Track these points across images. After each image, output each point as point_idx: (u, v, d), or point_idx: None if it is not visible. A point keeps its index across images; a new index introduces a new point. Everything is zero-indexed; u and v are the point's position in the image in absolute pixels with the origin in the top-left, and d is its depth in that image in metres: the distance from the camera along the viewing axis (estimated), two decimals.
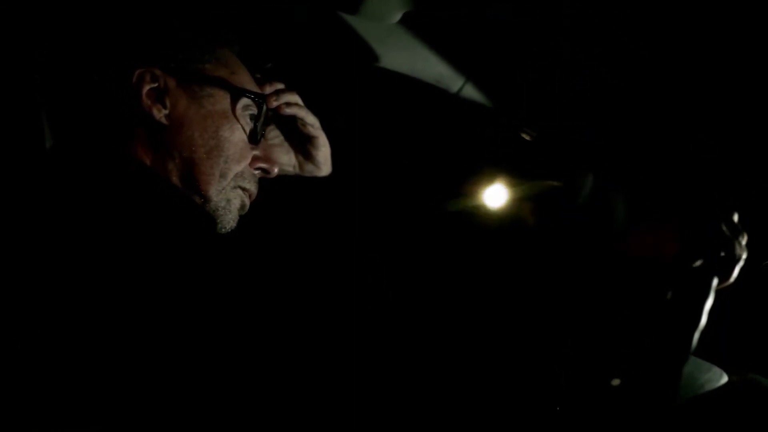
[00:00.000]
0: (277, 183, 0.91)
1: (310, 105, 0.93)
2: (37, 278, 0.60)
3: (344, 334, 0.72)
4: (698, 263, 0.69)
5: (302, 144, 0.93)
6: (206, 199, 0.76)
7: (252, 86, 0.81)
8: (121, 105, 0.73)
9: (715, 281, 0.70)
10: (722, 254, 0.70)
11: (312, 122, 0.91)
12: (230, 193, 0.78)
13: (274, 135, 0.92)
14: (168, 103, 0.74)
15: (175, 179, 0.75)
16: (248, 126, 0.79)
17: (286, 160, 0.93)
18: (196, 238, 0.72)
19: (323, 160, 0.94)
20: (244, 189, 0.80)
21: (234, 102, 0.78)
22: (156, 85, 0.74)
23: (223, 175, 0.76)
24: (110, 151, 0.73)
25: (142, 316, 0.60)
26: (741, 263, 0.73)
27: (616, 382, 0.66)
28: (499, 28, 1.32)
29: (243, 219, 0.82)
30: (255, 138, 0.79)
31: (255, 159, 0.81)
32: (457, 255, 1.16)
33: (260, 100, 0.80)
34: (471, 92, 1.64)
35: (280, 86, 0.88)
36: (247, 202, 0.81)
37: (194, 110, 0.75)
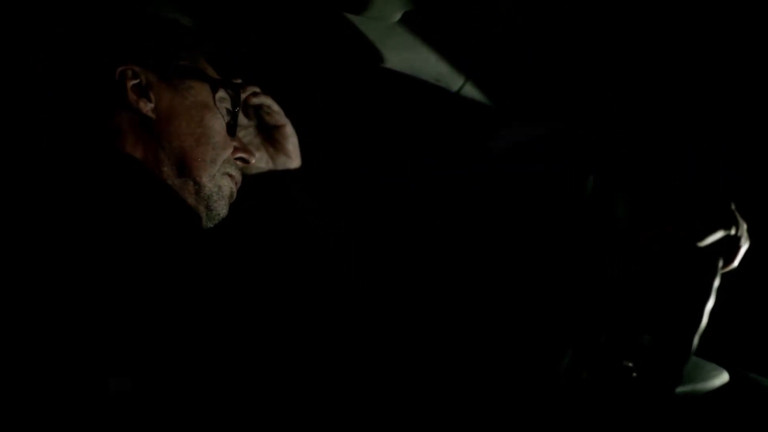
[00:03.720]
0: (261, 182, 0.92)
1: (305, 103, 0.94)
2: (30, 276, 0.60)
3: (339, 330, 0.72)
4: (706, 242, 0.69)
5: (271, 136, 0.96)
6: (200, 186, 0.78)
7: (225, 80, 0.85)
8: (106, 102, 0.75)
9: (721, 262, 0.71)
10: (731, 233, 0.71)
11: (278, 110, 0.94)
12: (220, 180, 0.81)
13: (244, 134, 0.94)
14: (152, 97, 0.76)
15: (167, 170, 0.76)
16: (226, 117, 0.82)
17: (258, 156, 0.94)
18: (190, 231, 0.73)
19: (294, 150, 0.96)
20: (230, 176, 0.83)
21: (213, 93, 0.81)
22: (138, 80, 0.76)
23: (213, 161, 0.79)
24: (102, 148, 0.74)
25: (140, 312, 0.60)
26: (745, 248, 0.73)
27: (629, 363, 0.66)
28: (499, 27, 1.32)
29: (231, 214, 0.83)
30: (233, 130, 0.83)
31: (235, 149, 0.84)
32: (459, 250, 1.16)
33: (236, 90, 0.83)
34: (471, 92, 1.64)
35: (239, 80, 0.91)
36: (235, 189, 0.84)
37: (178, 102, 0.78)
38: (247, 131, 0.95)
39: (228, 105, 0.83)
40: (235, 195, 0.85)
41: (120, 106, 0.75)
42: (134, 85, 0.75)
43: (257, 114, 0.95)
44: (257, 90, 0.92)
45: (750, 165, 1.08)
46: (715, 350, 0.99)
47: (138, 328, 0.60)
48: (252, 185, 0.93)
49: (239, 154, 0.85)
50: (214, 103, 0.81)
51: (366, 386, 0.69)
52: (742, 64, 1.02)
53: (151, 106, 0.76)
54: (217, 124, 0.80)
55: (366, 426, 0.67)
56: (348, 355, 0.71)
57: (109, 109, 0.75)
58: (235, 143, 0.84)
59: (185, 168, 0.77)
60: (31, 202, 0.66)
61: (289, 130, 0.96)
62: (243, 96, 0.90)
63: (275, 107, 0.94)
